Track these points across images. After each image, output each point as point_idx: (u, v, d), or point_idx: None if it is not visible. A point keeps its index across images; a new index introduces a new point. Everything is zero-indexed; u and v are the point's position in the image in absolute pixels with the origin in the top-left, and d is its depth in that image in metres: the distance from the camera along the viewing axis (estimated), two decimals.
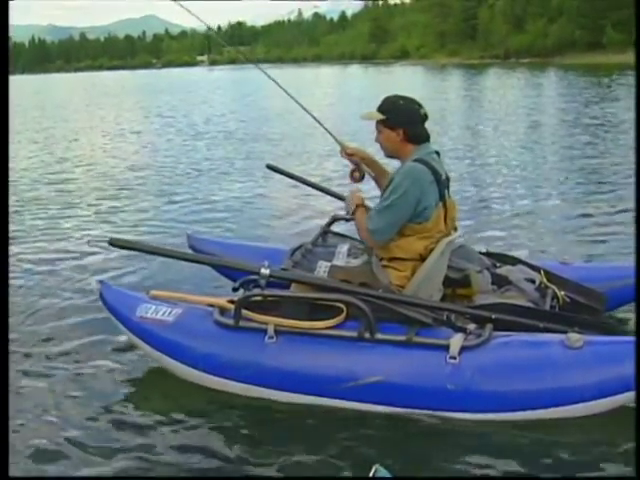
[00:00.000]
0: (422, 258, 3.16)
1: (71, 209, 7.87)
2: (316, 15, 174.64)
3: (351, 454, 2.81)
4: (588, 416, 2.86)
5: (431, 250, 3.15)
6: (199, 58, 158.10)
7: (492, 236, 5.89)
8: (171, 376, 3.36)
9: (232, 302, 3.26)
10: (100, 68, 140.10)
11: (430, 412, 2.93)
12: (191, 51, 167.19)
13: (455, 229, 3.31)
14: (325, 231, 4.01)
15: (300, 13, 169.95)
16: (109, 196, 8.60)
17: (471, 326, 3.02)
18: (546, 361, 2.88)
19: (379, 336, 3.01)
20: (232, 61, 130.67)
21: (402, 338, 2.99)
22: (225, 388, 3.18)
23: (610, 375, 2.81)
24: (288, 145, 12.58)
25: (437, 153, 3.24)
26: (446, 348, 2.91)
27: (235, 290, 3.77)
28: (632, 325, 3.66)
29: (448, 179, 3.27)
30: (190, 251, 4.09)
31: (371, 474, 2.07)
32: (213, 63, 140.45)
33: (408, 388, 2.94)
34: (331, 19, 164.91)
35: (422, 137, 3.20)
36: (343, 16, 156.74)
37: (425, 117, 3.20)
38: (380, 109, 3.22)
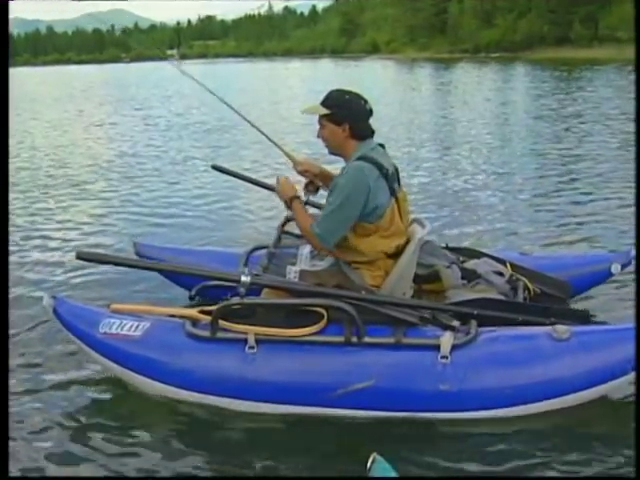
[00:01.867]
0: (389, 256, 3.09)
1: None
2: (286, 9, 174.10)
3: (346, 463, 2.74)
4: (587, 413, 2.92)
5: (397, 247, 3.09)
6: (169, 52, 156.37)
7: (453, 230, 5.92)
8: (141, 394, 3.19)
9: (203, 312, 3.13)
10: (68, 62, 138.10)
11: (424, 415, 2.88)
12: (160, 45, 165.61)
13: (422, 225, 3.22)
14: (282, 232, 3.90)
15: (270, 7, 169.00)
16: (42, 197, 8.18)
17: (455, 323, 2.98)
18: (537, 354, 2.89)
19: (367, 339, 2.93)
20: (202, 55, 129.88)
21: (391, 340, 2.92)
22: (204, 403, 3.05)
23: (598, 364, 2.86)
24: (248, 140, 12.19)
25: (382, 146, 3.17)
26: (437, 348, 2.86)
27: (192, 298, 3.69)
28: (601, 313, 3.78)
29: (397, 171, 3.19)
30: (137, 259, 3.91)
31: (369, 463, 2.07)
32: (183, 57, 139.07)
33: (401, 391, 2.89)
34: (301, 13, 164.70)
35: (366, 133, 3.12)
36: (314, 10, 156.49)
37: (370, 112, 3.11)
38: (324, 103, 3.10)
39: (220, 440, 2.96)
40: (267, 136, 3.75)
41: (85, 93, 30.32)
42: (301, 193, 3.35)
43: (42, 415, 3.18)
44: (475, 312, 3.05)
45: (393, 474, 2.09)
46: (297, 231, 4.01)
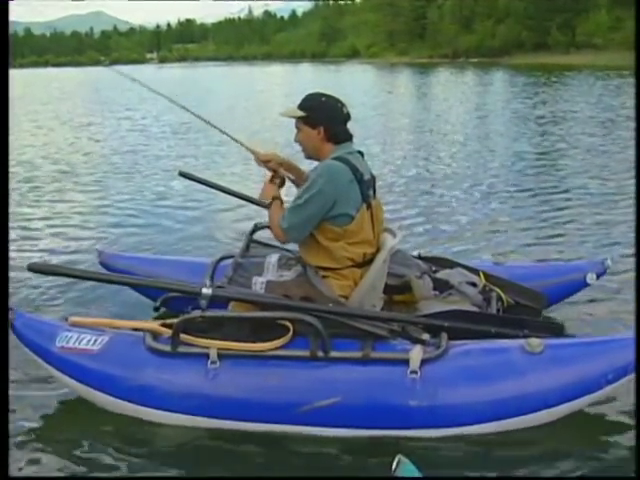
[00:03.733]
0: (357, 265, 2.99)
1: None
2: (267, 13, 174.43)
3: None
4: (581, 419, 2.87)
5: (364, 255, 2.99)
6: (148, 56, 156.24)
7: (426, 238, 5.80)
8: (100, 410, 3.01)
9: (165, 325, 2.97)
10: (46, 65, 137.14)
11: (393, 432, 2.77)
12: (140, 48, 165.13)
13: (393, 234, 3.12)
14: (250, 240, 3.77)
15: (250, 11, 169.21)
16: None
17: (425, 336, 2.87)
18: (509, 369, 2.77)
19: (333, 354, 2.80)
20: (182, 59, 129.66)
21: (358, 354, 2.79)
22: (166, 421, 2.88)
23: (572, 379, 2.76)
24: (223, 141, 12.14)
25: (361, 154, 3.08)
26: (406, 362, 2.74)
27: (156, 309, 3.55)
28: (576, 324, 3.72)
29: (374, 179, 3.09)
30: (101, 268, 3.82)
31: (394, 465, 1.99)
32: (163, 61, 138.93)
33: (368, 408, 2.75)
34: (282, 17, 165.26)
35: (343, 136, 3.02)
36: (294, 14, 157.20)
37: (347, 117, 3.02)
38: (301, 106, 3.02)
39: (180, 460, 2.81)
40: (227, 133, 3.60)
41: (61, 96, 29.99)
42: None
43: (42, 415, 3.10)
44: (446, 324, 2.94)
45: (418, 475, 2.02)
46: (265, 240, 3.88)
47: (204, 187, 4.31)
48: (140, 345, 2.93)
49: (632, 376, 2.74)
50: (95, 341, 2.97)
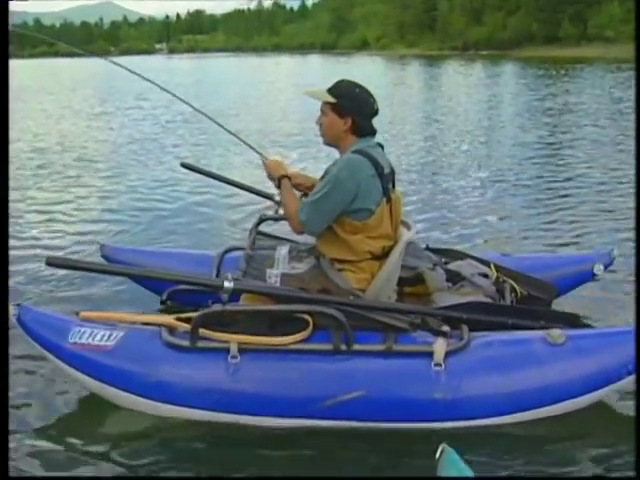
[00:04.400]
0: (375, 257, 2.96)
1: None
2: (276, 4, 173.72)
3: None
4: (584, 415, 2.85)
5: (383, 248, 2.96)
6: (157, 46, 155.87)
7: (433, 230, 5.78)
8: (116, 408, 2.97)
9: (180, 319, 2.91)
10: (56, 55, 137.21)
11: (418, 425, 2.76)
12: (149, 39, 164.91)
13: (408, 226, 3.09)
14: (257, 233, 3.72)
15: (260, 2, 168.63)
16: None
17: (445, 328, 2.84)
18: (532, 360, 2.77)
19: (356, 347, 2.77)
20: (191, 50, 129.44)
21: (381, 347, 2.76)
22: (185, 416, 2.84)
23: (594, 369, 2.78)
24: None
25: (380, 146, 3.01)
26: (429, 355, 2.73)
27: (163, 303, 3.53)
28: (585, 315, 3.66)
29: (393, 172, 3.02)
30: (103, 262, 3.73)
31: (438, 453, 1.99)
32: (172, 51, 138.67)
33: (393, 401, 2.74)
34: (291, 8, 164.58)
35: (368, 130, 2.95)
36: (303, 5, 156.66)
37: (376, 112, 2.95)
38: (332, 92, 2.91)
39: (203, 456, 2.78)
40: (239, 137, 3.59)
41: (71, 86, 30.03)
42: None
43: (42, 415, 3.06)
44: (465, 316, 2.91)
45: (462, 465, 2.01)
46: (272, 232, 3.87)
47: (207, 178, 4.32)
48: (156, 340, 2.87)
49: None
50: (110, 336, 2.89)
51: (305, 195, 3.15)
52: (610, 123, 12.71)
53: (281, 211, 3.89)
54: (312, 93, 2.98)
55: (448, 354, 2.72)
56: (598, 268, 3.67)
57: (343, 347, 2.76)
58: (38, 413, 3.07)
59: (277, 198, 3.84)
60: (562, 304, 3.72)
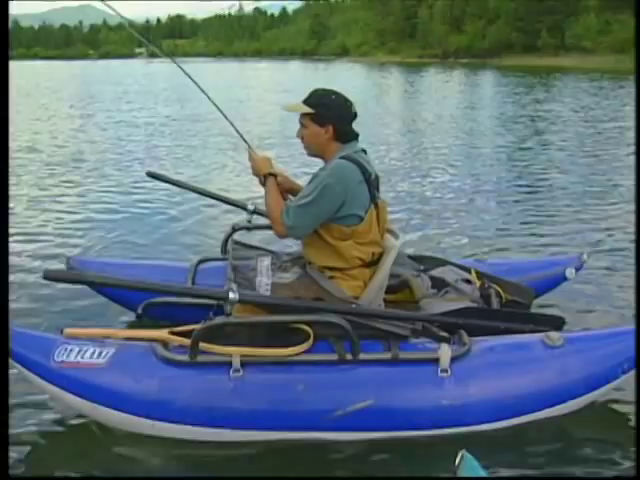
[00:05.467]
0: (365, 264, 2.93)
1: None
2: (257, 10, 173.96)
3: None
4: (583, 415, 2.91)
5: (372, 254, 2.93)
6: (137, 50, 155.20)
7: (412, 237, 5.78)
8: (106, 428, 2.84)
9: (174, 333, 2.81)
10: (34, 57, 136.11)
11: (427, 432, 2.74)
12: (129, 43, 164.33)
13: (394, 233, 3.07)
14: (232, 242, 3.62)
15: (241, 7, 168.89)
16: None
17: (446, 334, 2.86)
18: (534, 363, 2.83)
19: (362, 356, 2.74)
20: (171, 53, 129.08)
21: (387, 356, 2.75)
22: (186, 435, 2.73)
23: (593, 370, 2.86)
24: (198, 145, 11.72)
25: (364, 151, 2.98)
26: (435, 361, 2.74)
27: (139, 316, 3.42)
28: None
29: (378, 178, 3.00)
30: None
31: (457, 460, 1.99)
32: (152, 55, 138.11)
33: (401, 409, 2.72)
34: (272, 14, 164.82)
35: (350, 136, 2.92)
36: (284, 12, 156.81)
37: (355, 116, 2.92)
38: (308, 103, 2.87)
39: (208, 474, 2.71)
40: (238, 130, 3.40)
41: (48, 90, 29.76)
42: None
43: (42, 415, 3.02)
44: (461, 322, 2.94)
45: (481, 472, 2.00)
46: (248, 241, 3.78)
47: (176, 187, 4.21)
48: (151, 356, 2.76)
49: None
50: (100, 354, 2.76)
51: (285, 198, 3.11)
52: (585, 131, 12.93)
53: (254, 220, 3.85)
54: (290, 107, 2.93)
55: (453, 360, 2.74)
56: (570, 272, 3.78)
57: (349, 356, 2.73)
58: (38, 413, 3.02)
59: (250, 207, 3.80)
60: (538, 308, 3.76)
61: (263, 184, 3.02)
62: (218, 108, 3.41)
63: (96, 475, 2.70)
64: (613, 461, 2.72)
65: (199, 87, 3.41)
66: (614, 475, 2.64)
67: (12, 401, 2.92)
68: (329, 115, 2.84)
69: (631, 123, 13.87)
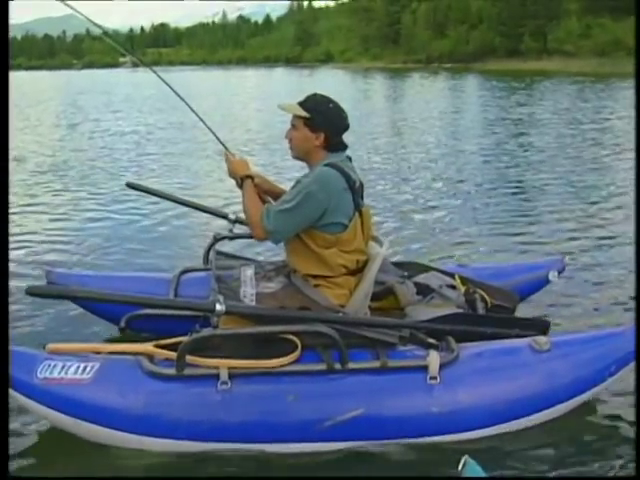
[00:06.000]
0: (350, 272, 2.91)
1: None
2: (241, 18, 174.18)
3: None
4: (583, 416, 2.96)
5: (357, 262, 2.92)
6: (121, 59, 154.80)
7: (395, 243, 5.70)
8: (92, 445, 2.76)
9: (160, 346, 2.76)
10: (18, 68, 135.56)
11: (417, 440, 2.73)
12: (113, 52, 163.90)
13: (379, 241, 3.06)
14: (214, 252, 3.60)
15: (225, 15, 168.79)
16: None
17: (434, 341, 2.85)
18: (523, 368, 2.84)
19: (350, 365, 2.72)
20: (155, 63, 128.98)
21: (376, 364, 2.73)
22: (175, 449, 2.69)
23: (580, 373, 2.87)
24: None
25: (349, 159, 2.98)
26: (423, 368, 2.73)
27: (122, 330, 3.35)
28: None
29: (362, 186, 2.99)
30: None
31: (460, 465, 1.99)
32: (136, 65, 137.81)
33: (391, 418, 2.71)
34: (256, 22, 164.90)
35: (339, 147, 2.91)
36: (268, 19, 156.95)
37: (347, 128, 2.91)
38: (304, 106, 2.84)
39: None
40: (216, 135, 3.38)
41: (32, 100, 29.63)
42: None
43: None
44: (448, 328, 2.94)
45: (484, 477, 2.03)
46: (230, 250, 3.78)
47: (157, 198, 4.15)
48: (137, 370, 2.71)
49: (631, 366, 2.89)
50: (84, 369, 2.70)
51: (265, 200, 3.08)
52: (566, 132, 13.07)
53: (236, 230, 3.82)
54: (286, 107, 2.90)
55: (441, 367, 2.73)
56: (553, 275, 3.79)
57: (337, 366, 2.71)
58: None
59: (231, 217, 3.78)
60: (521, 311, 3.73)
61: (240, 186, 2.99)
62: (195, 112, 3.37)
63: (96, 475, 2.68)
64: (613, 461, 2.72)
65: (177, 94, 3.36)
66: (614, 475, 2.64)
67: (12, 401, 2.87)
68: (323, 122, 2.82)
69: (611, 124, 14.02)
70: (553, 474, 2.67)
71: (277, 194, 3.09)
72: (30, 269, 5.11)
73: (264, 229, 2.78)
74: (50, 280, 3.55)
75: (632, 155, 10.33)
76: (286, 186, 3.05)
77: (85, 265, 5.24)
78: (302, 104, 2.86)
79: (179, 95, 3.37)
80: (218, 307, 2.61)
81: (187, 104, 3.39)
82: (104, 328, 3.76)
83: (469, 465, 2.00)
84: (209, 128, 3.35)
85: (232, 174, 3.05)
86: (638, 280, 3.89)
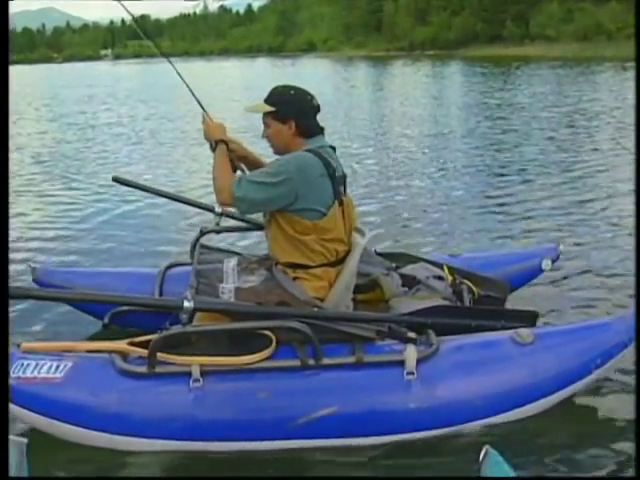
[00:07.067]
0: (331, 263, 2.89)
1: None
2: (222, 8, 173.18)
3: None
4: (581, 415, 2.91)
5: (337, 253, 2.89)
6: (102, 52, 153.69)
7: (377, 233, 5.60)
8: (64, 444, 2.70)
9: (134, 344, 2.72)
10: None
11: (396, 437, 2.67)
12: (94, 45, 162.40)
13: (362, 232, 3.01)
14: (200, 246, 3.52)
15: (206, 6, 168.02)
16: None
17: (412, 335, 2.77)
18: (504, 362, 2.77)
19: (325, 361, 2.65)
20: (137, 55, 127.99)
21: (351, 359, 2.66)
22: (146, 448, 2.64)
23: (564, 367, 2.79)
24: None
25: (332, 148, 2.96)
26: (400, 363, 2.65)
27: (106, 326, 3.32)
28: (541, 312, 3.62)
29: (345, 176, 2.97)
30: (35, 286, 3.42)
31: (481, 455, 1.93)
32: (117, 57, 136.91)
33: (367, 414, 2.64)
34: (237, 12, 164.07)
35: (314, 130, 2.89)
36: (249, 9, 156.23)
37: (318, 109, 2.89)
38: (268, 101, 2.85)
39: None
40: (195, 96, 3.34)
41: (13, 94, 29.34)
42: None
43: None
44: (429, 321, 2.86)
45: (506, 467, 1.95)
46: (217, 243, 3.75)
47: (143, 192, 4.10)
48: (109, 368, 2.66)
49: (617, 359, 2.84)
50: (57, 368, 2.64)
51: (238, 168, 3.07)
52: (552, 118, 13.03)
53: (223, 222, 3.77)
54: (252, 108, 2.92)
55: (419, 361, 2.66)
56: (546, 263, 3.72)
57: (311, 362, 2.65)
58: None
59: (217, 210, 3.71)
60: (514, 301, 3.70)
61: (213, 150, 2.97)
62: (181, 78, 3.39)
63: (96, 475, 2.65)
64: (613, 461, 2.65)
65: (180, 77, 3.33)
66: (614, 475, 2.59)
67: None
68: (290, 111, 2.82)
69: (596, 108, 14.06)
70: (551, 473, 2.62)
71: (252, 162, 3.10)
72: (15, 265, 4.95)
73: (232, 194, 2.74)
74: (35, 277, 3.51)
75: (609, 135, 10.53)
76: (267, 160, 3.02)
77: (71, 261, 5.19)
78: (266, 100, 2.87)
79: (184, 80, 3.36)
80: (186, 304, 2.57)
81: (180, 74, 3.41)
82: (89, 324, 3.69)
83: (491, 455, 1.94)
84: (191, 91, 3.32)
85: (207, 137, 3.03)
86: (638, 276, 3.78)
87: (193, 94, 3.31)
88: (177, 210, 6.24)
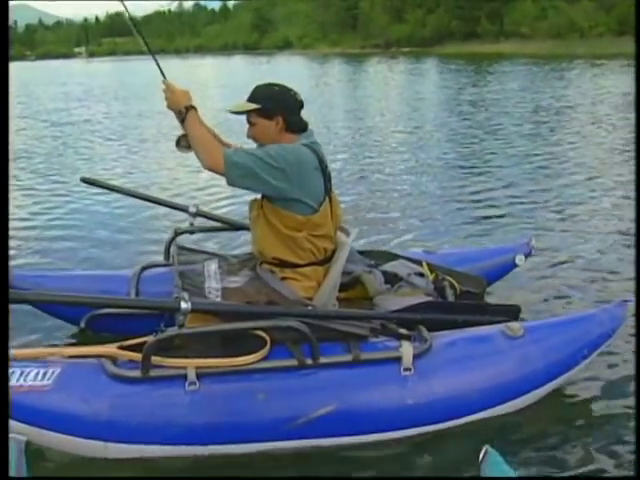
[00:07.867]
0: (319, 262, 2.89)
1: None
2: (197, 6, 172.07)
3: None
4: (582, 413, 2.96)
5: (325, 251, 2.90)
6: (76, 50, 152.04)
7: (358, 231, 5.68)
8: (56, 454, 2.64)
9: (124, 348, 2.66)
10: None
11: (394, 434, 2.69)
12: (68, 42, 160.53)
13: (346, 231, 3.04)
14: (175, 246, 3.49)
15: (181, 3, 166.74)
16: None
17: (405, 331, 2.81)
18: (497, 355, 2.83)
19: (322, 360, 2.66)
20: (111, 52, 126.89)
21: (348, 358, 2.68)
22: (142, 454, 2.58)
23: (554, 358, 2.88)
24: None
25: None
26: (397, 360, 2.68)
27: (82, 330, 3.27)
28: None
29: (330, 173, 2.97)
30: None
31: (481, 455, 1.96)
32: (91, 55, 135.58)
33: (365, 412, 2.66)
34: (212, 9, 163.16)
35: (303, 125, 2.89)
36: (224, 6, 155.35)
37: (301, 104, 2.88)
38: (252, 99, 2.82)
39: None
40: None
41: None
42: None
43: None
44: (419, 317, 2.90)
45: (505, 467, 1.96)
46: (192, 244, 3.70)
47: (112, 192, 4.00)
48: (100, 374, 2.59)
49: (602, 349, 2.95)
50: (44, 375, 2.57)
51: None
52: (526, 115, 13.17)
53: (197, 223, 3.73)
54: (236, 107, 2.88)
55: (415, 357, 2.69)
56: (520, 258, 3.80)
57: (309, 361, 2.65)
58: None
59: (192, 210, 3.68)
60: (493, 296, 3.81)
61: (182, 120, 2.81)
62: (145, 43, 3.30)
63: (96, 475, 2.61)
64: (612, 461, 2.66)
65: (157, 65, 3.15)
66: (614, 475, 2.59)
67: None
68: (275, 107, 2.79)
69: (570, 104, 14.20)
70: (551, 473, 2.61)
71: (215, 137, 3.00)
72: None
73: (226, 157, 2.66)
74: (9, 281, 3.36)
75: (579, 129, 10.66)
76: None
77: (42, 264, 5.09)
78: (250, 99, 2.84)
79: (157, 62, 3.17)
80: (184, 305, 2.49)
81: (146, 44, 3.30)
82: (63, 330, 3.63)
83: (490, 455, 1.97)
84: (154, 58, 3.19)
85: (172, 105, 2.83)
86: (638, 270, 3.85)
87: (156, 60, 3.16)
88: (149, 210, 6.17)
